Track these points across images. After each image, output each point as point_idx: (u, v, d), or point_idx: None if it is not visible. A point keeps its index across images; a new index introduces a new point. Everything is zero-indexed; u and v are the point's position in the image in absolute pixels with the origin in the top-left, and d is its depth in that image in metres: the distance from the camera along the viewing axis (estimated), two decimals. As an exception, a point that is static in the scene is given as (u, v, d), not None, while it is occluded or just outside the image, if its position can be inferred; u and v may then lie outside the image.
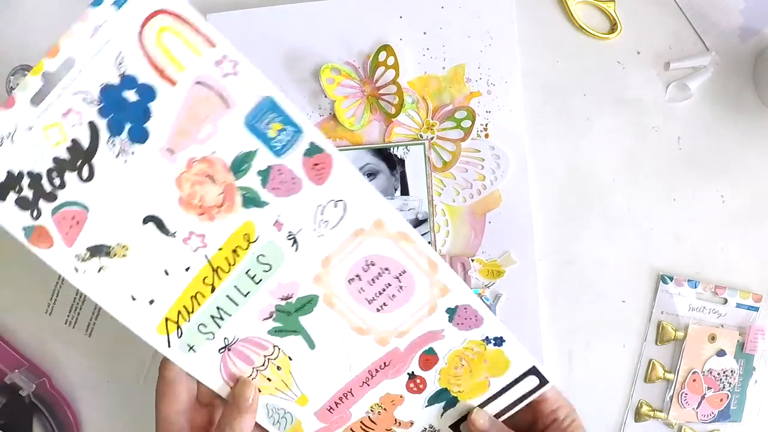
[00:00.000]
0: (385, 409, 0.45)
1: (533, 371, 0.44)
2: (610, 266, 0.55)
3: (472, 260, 0.55)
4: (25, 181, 0.39)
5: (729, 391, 0.54)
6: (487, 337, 0.43)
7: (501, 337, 0.43)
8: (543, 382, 0.45)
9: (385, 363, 0.43)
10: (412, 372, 0.44)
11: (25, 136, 0.38)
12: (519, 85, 0.54)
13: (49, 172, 0.39)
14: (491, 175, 0.55)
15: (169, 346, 0.42)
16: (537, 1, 0.55)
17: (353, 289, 0.42)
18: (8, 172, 0.39)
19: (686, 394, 0.54)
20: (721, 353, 0.54)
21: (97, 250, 0.40)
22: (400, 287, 0.41)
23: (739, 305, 0.54)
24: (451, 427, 0.46)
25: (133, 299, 0.41)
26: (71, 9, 0.57)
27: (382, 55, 0.54)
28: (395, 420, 0.45)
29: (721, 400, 0.54)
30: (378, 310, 0.42)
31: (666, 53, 0.54)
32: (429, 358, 0.44)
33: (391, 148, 0.55)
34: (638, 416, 0.55)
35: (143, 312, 0.41)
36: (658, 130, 0.55)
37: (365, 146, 0.55)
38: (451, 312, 0.42)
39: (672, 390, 0.54)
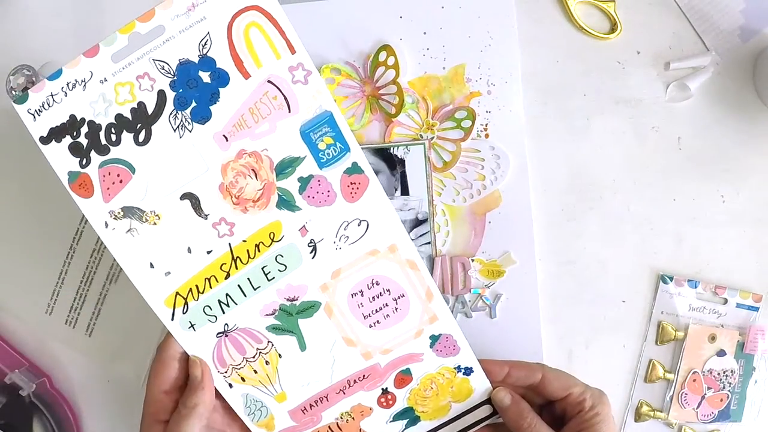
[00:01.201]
0: (353, 418, 0.47)
1: (489, 401, 0.48)
2: (610, 266, 0.55)
3: (472, 260, 0.55)
4: (84, 129, 0.40)
5: (729, 391, 0.54)
6: (459, 366, 0.47)
7: (471, 368, 0.47)
8: (495, 412, 0.48)
9: (364, 375, 0.46)
10: (386, 388, 0.47)
11: (96, 87, 0.40)
12: (519, 85, 0.54)
13: (109, 126, 0.40)
14: (491, 175, 0.55)
15: (172, 319, 0.43)
16: (537, 1, 0.55)
17: (354, 303, 0.44)
18: (71, 116, 0.40)
19: (686, 394, 0.54)
20: (721, 353, 0.54)
21: (130, 212, 0.41)
22: (396, 308, 0.45)
23: (739, 305, 0.54)
24: None
25: (152, 267, 0.42)
26: (71, 9, 0.57)
27: (382, 55, 0.54)
28: (360, 430, 0.48)
29: (721, 400, 0.54)
30: (371, 326, 0.45)
31: (666, 53, 0.54)
32: (404, 378, 0.47)
33: (392, 148, 0.55)
34: (638, 416, 0.55)
35: (157, 281, 0.42)
36: (658, 130, 0.55)
37: (365, 146, 0.55)
38: (434, 339, 0.46)
39: (672, 390, 0.54)
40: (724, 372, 0.54)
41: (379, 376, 0.46)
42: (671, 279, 0.54)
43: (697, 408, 0.54)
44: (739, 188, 0.54)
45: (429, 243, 0.55)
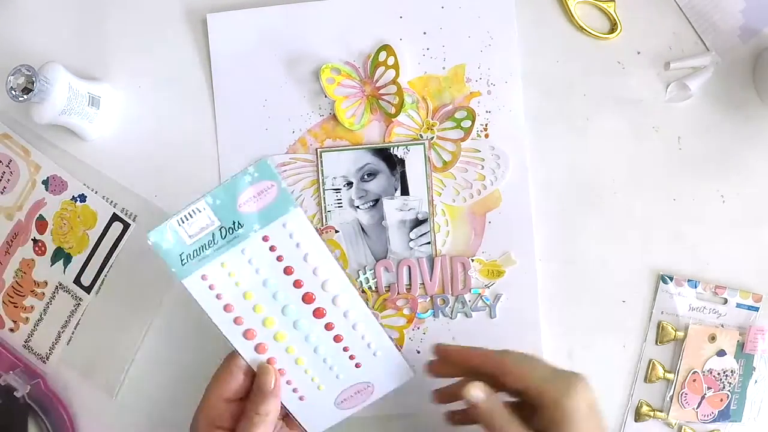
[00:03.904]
0: (24, 273, 0.57)
1: (115, 218, 0.56)
2: (610, 266, 0.55)
3: (472, 260, 0.55)
4: None
5: (729, 391, 0.54)
6: (73, 196, 0.57)
7: (83, 195, 0.56)
8: (126, 224, 0.56)
9: (16, 233, 0.57)
10: (35, 237, 0.57)
11: None
12: (519, 85, 0.54)
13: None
14: (491, 175, 0.55)
15: None
16: (537, 1, 0.55)
17: None
18: None
19: (686, 394, 0.54)
20: (721, 353, 0.54)
21: None
22: (11, 172, 0.57)
23: (739, 305, 0.54)
24: (74, 282, 0.57)
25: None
26: (70, 9, 0.57)
27: (382, 55, 0.54)
28: (34, 282, 0.57)
29: (721, 400, 0.54)
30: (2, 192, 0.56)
31: (666, 53, 0.55)
32: (41, 224, 0.57)
33: (391, 148, 0.55)
34: (638, 416, 0.55)
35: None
36: (658, 130, 0.55)
37: (365, 146, 0.55)
38: (46, 183, 0.57)
39: (672, 390, 0.54)
40: (724, 372, 0.54)
41: (26, 230, 0.56)
42: (671, 279, 0.54)
43: (697, 408, 0.54)
44: (739, 188, 0.54)
45: (429, 243, 0.55)
